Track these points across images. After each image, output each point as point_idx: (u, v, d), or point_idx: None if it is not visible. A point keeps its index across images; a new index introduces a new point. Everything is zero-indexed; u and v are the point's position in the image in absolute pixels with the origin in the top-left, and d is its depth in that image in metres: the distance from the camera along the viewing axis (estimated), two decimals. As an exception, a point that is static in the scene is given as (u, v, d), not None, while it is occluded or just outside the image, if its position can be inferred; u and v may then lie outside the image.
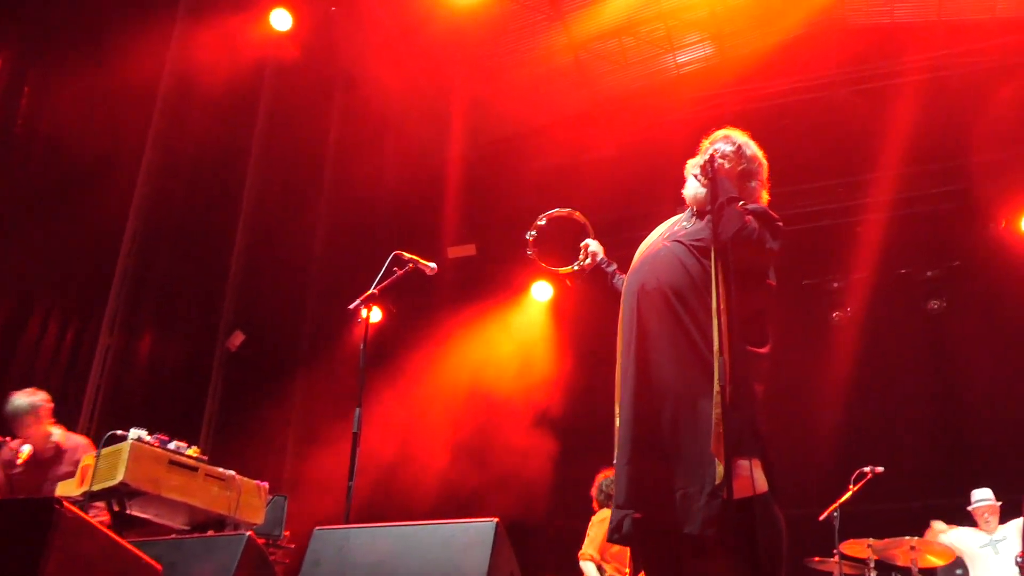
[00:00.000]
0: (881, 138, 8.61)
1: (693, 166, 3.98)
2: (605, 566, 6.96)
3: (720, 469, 3.36)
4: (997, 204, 9.09)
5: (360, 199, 9.41)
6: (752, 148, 3.97)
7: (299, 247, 9.14)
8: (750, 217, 3.74)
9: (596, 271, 4.16)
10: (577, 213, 4.27)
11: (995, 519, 7.15)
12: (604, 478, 6.90)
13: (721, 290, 3.56)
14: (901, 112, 8.60)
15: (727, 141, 4.00)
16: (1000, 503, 7.12)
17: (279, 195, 8.78)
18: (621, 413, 3.64)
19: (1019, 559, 6.54)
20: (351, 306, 5.02)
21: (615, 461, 3.65)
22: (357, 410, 4.76)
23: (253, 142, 8.74)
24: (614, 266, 4.16)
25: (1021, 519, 6.79)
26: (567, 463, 9.04)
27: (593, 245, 4.17)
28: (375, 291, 5.05)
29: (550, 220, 4.29)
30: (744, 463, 3.43)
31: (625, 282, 3.90)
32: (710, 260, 3.60)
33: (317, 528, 3.68)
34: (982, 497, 7.20)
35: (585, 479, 7.47)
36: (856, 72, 8.97)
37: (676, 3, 9.16)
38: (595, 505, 7.56)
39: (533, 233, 4.31)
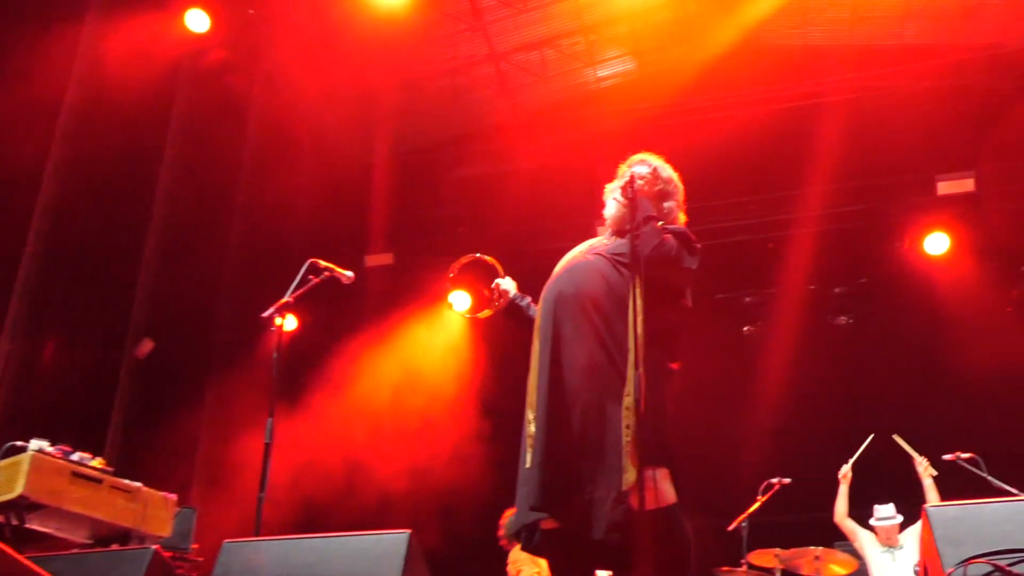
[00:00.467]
0: (794, 157, 8.83)
1: (613, 188, 4.11)
2: None
3: (628, 476, 3.43)
4: (902, 225, 9.43)
5: (277, 206, 9.28)
6: (668, 171, 4.13)
7: (212, 254, 8.97)
8: (668, 236, 3.87)
9: (511, 308, 4.20)
10: (483, 256, 4.27)
11: (896, 537, 7.37)
12: (511, 516, 6.96)
13: (638, 304, 3.64)
14: (814, 132, 8.84)
15: (644, 164, 4.14)
16: (902, 519, 7.33)
17: (192, 201, 8.59)
18: (536, 416, 3.68)
19: (916, 568, 6.74)
20: (264, 314, 4.94)
21: (527, 465, 3.69)
22: (269, 420, 4.69)
23: (166, 146, 8.53)
24: (528, 299, 4.22)
25: (919, 525, 7.01)
26: (484, 475, 9.05)
27: (504, 283, 4.21)
28: (289, 299, 4.98)
29: (459, 270, 4.30)
30: (650, 474, 3.50)
31: (544, 290, 3.96)
32: (628, 274, 3.69)
33: (226, 541, 3.62)
34: (885, 515, 7.39)
35: (501, 488, 7.48)
36: (772, 92, 9.17)
37: (597, 18, 9.28)
38: (504, 543, 7.62)
39: (451, 287, 4.34)
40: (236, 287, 9.13)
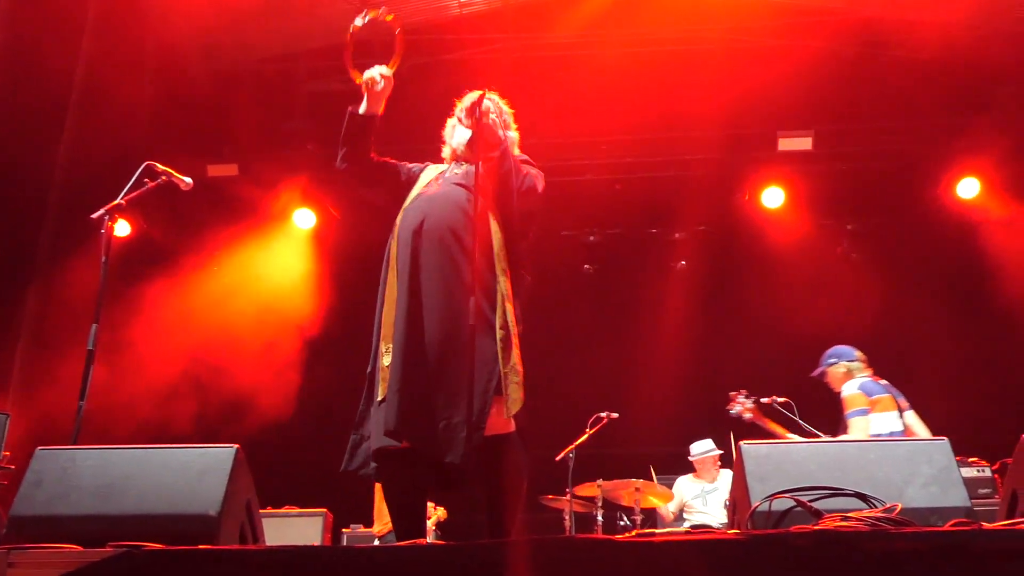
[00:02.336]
0: (649, 102, 8.96)
1: (460, 110, 4.13)
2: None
3: (485, 403, 3.52)
4: (742, 177, 9.77)
5: (117, 111, 8.77)
6: (501, 102, 4.19)
7: (41, 153, 8.43)
8: (526, 165, 3.96)
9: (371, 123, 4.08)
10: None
11: (716, 469, 7.76)
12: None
13: (500, 234, 3.71)
14: (669, 80, 8.98)
15: (472, 98, 4.19)
16: (721, 452, 7.73)
17: (19, 104, 8.01)
18: (394, 347, 3.69)
19: (728, 502, 7.14)
20: (94, 215, 4.71)
21: (378, 397, 3.72)
22: (93, 327, 4.51)
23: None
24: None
25: (731, 471, 7.42)
26: (316, 395, 9.01)
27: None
28: (122, 201, 4.76)
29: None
30: (501, 401, 3.61)
31: (400, 221, 3.95)
32: (484, 202, 3.73)
33: (40, 448, 3.48)
34: (704, 449, 7.78)
35: (334, 410, 7.47)
36: (633, 36, 9.22)
37: (464, -57, 9.11)
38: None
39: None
40: (68, 188, 8.63)
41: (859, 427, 6.36)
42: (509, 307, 3.70)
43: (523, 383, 3.67)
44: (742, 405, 6.76)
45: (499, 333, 3.62)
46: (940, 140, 9.29)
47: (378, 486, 7.55)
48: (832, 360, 6.89)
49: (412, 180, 4.13)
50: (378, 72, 4.05)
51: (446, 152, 4.27)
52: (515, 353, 3.68)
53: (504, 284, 3.63)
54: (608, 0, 9.03)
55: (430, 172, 4.18)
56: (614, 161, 9.76)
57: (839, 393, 6.77)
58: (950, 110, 9.01)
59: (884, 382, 6.67)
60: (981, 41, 8.74)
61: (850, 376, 6.75)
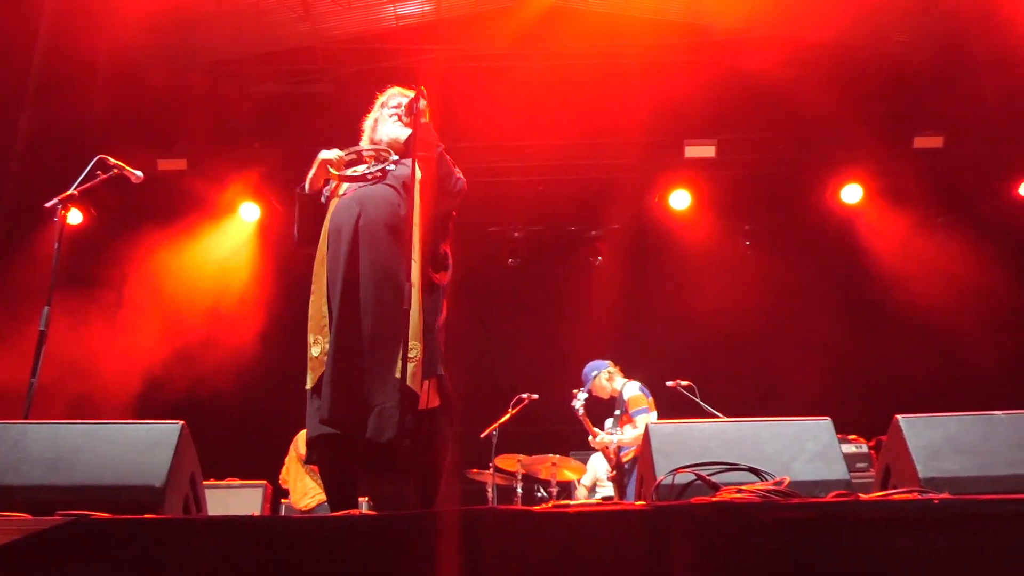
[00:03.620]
0: (567, 111, 9.01)
1: (397, 108, 4.06)
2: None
3: (412, 387, 3.49)
4: (651, 180, 9.89)
5: (71, 105, 8.49)
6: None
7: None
8: (453, 164, 3.94)
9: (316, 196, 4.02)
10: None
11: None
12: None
13: (422, 227, 3.67)
14: (589, 90, 9.05)
15: (403, 96, 4.14)
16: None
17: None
18: (331, 337, 3.63)
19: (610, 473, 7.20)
20: (48, 204, 4.57)
21: (307, 385, 3.67)
22: (45, 309, 4.38)
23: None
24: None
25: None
26: (259, 377, 8.89)
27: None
28: (75, 192, 4.62)
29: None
30: (426, 385, 3.59)
31: (332, 217, 3.86)
32: (413, 199, 3.69)
33: (-8, 423, 3.36)
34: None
35: (274, 392, 7.35)
36: (556, 49, 9.27)
37: (401, -42, 9.02)
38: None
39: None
40: (22, 178, 8.34)
41: (645, 423, 6.58)
42: (419, 297, 3.63)
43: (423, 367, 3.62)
44: (579, 403, 7.00)
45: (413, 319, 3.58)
46: (827, 150, 9.56)
47: (294, 461, 7.52)
48: (594, 372, 7.24)
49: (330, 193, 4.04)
50: (335, 155, 3.97)
51: (364, 143, 4.17)
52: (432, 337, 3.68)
53: (417, 275, 3.58)
54: (534, 17, 9.05)
55: (357, 168, 4.07)
56: (538, 164, 9.80)
57: (612, 398, 7.19)
58: (836, 123, 9.23)
59: None
60: (864, 61, 9.00)
61: (613, 379, 7.22)
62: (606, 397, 7.27)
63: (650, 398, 7.03)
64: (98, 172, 4.71)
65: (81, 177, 4.65)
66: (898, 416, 3.43)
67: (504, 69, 9.16)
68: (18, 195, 8.25)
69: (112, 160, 4.75)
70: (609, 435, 6.99)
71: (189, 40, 9.17)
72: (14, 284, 7.53)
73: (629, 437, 6.84)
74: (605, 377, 7.22)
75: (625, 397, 7.03)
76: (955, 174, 9.45)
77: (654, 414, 6.98)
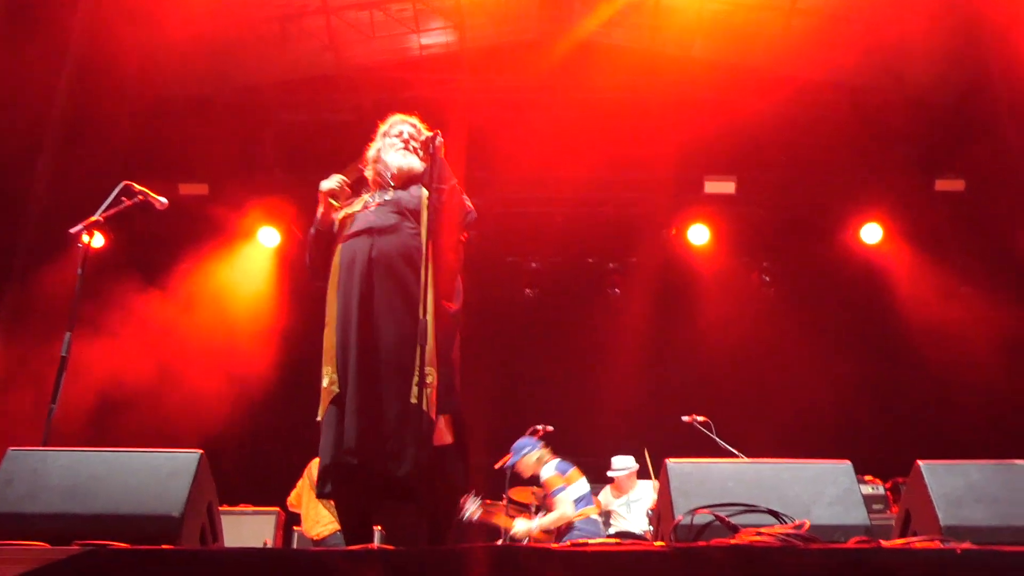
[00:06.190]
0: (584, 143, 9.06)
1: (399, 136, 4.07)
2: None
3: (428, 421, 3.49)
4: (671, 214, 9.91)
5: (96, 130, 8.59)
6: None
7: (20, 166, 8.22)
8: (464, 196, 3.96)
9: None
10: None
11: (632, 482, 7.79)
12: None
13: (433, 261, 3.67)
14: (610, 125, 9.11)
15: (411, 125, 4.14)
16: (637, 467, 7.75)
17: (4, 120, 7.81)
18: (335, 372, 3.64)
19: (651, 511, 7.18)
20: (73, 230, 4.61)
21: (319, 417, 3.68)
22: (67, 335, 4.40)
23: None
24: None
25: (651, 481, 7.46)
26: (273, 404, 8.90)
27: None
28: (100, 218, 4.66)
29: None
30: (442, 419, 3.60)
31: (346, 249, 3.87)
32: (423, 229, 3.71)
33: (11, 448, 3.37)
34: (624, 465, 7.78)
35: (288, 419, 7.34)
36: (579, 82, 9.35)
37: (426, -12, 9.14)
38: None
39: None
40: (47, 202, 8.42)
41: (563, 502, 6.90)
42: (433, 325, 3.63)
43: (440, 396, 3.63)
44: (471, 509, 7.03)
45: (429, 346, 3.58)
46: (848, 190, 9.55)
47: (307, 488, 7.47)
48: (526, 450, 7.20)
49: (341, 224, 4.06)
50: (337, 182, 4.00)
51: (369, 173, 4.18)
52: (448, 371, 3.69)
53: (431, 304, 3.59)
54: (558, 50, 9.14)
55: (368, 199, 4.07)
56: (557, 196, 9.85)
57: (535, 476, 7.19)
58: (858, 163, 9.24)
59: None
60: (887, 103, 9.02)
61: (542, 461, 7.17)
62: (527, 476, 7.27)
63: (569, 471, 7.04)
64: (123, 198, 4.76)
65: (107, 203, 4.70)
66: (920, 462, 3.41)
67: (526, 101, 9.25)
68: (42, 218, 8.32)
69: (137, 187, 4.79)
70: (525, 524, 7.05)
71: (215, 66, 9.30)
72: (34, 308, 7.60)
73: (549, 520, 6.92)
74: (536, 457, 7.20)
75: (542, 479, 7.09)
76: (976, 218, 9.43)
77: (577, 483, 7.00)
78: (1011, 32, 7.37)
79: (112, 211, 4.71)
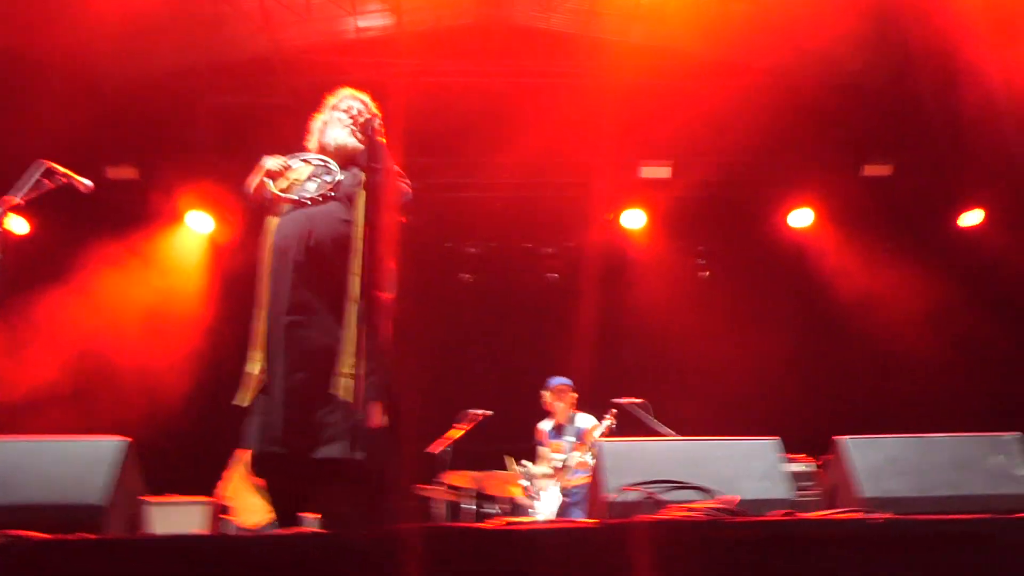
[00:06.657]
0: (523, 128, 9.05)
1: (347, 111, 4.02)
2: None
3: (354, 404, 3.47)
4: (607, 199, 9.97)
5: (18, 112, 8.32)
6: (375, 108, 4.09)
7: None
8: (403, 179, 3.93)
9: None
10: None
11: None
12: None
13: (367, 247, 3.64)
14: (545, 108, 9.10)
15: (357, 100, 4.10)
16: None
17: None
18: (265, 358, 3.61)
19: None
20: (-9, 212, 4.44)
21: (244, 403, 3.64)
22: (-13, 320, 4.27)
23: None
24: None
25: (579, 453, 7.49)
26: (205, 392, 8.76)
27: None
28: (20, 201, 4.51)
29: None
30: (371, 403, 3.58)
31: (277, 231, 3.82)
32: (360, 213, 3.68)
33: (-74, 437, 3.27)
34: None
35: (220, 408, 7.21)
36: (514, 67, 9.31)
37: (362, -29, 9.02)
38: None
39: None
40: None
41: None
42: (358, 313, 3.61)
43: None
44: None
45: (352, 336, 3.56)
46: (780, 174, 9.71)
47: (238, 478, 7.38)
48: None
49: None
50: (279, 165, 3.95)
51: (312, 145, 4.14)
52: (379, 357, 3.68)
53: (357, 291, 3.57)
54: (496, 34, 9.10)
55: (302, 175, 4.01)
56: (494, 181, 9.84)
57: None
58: (789, 148, 9.39)
59: None
60: (819, 88, 9.17)
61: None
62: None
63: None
64: (45, 180, 4.60)
65: (27, 184, 4.54)
66: (842, 437, 3.50)
67: (464, 86, 9.18)
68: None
69: (60, 168, 4.64)
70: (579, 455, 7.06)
71: (144, 47, 9.05)
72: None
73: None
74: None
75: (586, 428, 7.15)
76: (903, 202, 9.68)
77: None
78: (932, 16, 7.54)
79: (33, 194, 4.55)
